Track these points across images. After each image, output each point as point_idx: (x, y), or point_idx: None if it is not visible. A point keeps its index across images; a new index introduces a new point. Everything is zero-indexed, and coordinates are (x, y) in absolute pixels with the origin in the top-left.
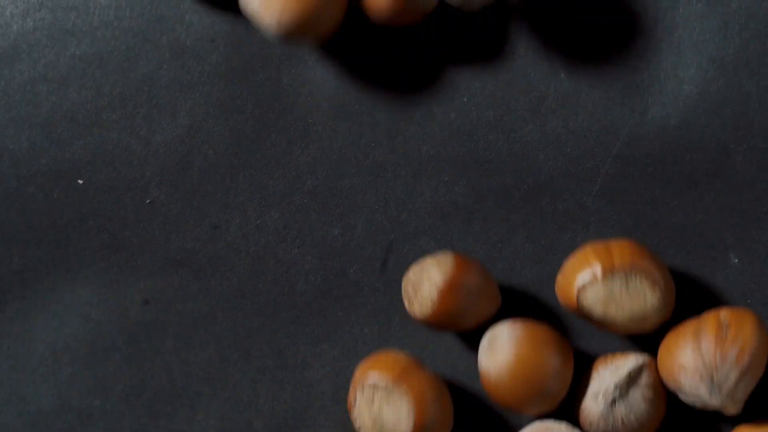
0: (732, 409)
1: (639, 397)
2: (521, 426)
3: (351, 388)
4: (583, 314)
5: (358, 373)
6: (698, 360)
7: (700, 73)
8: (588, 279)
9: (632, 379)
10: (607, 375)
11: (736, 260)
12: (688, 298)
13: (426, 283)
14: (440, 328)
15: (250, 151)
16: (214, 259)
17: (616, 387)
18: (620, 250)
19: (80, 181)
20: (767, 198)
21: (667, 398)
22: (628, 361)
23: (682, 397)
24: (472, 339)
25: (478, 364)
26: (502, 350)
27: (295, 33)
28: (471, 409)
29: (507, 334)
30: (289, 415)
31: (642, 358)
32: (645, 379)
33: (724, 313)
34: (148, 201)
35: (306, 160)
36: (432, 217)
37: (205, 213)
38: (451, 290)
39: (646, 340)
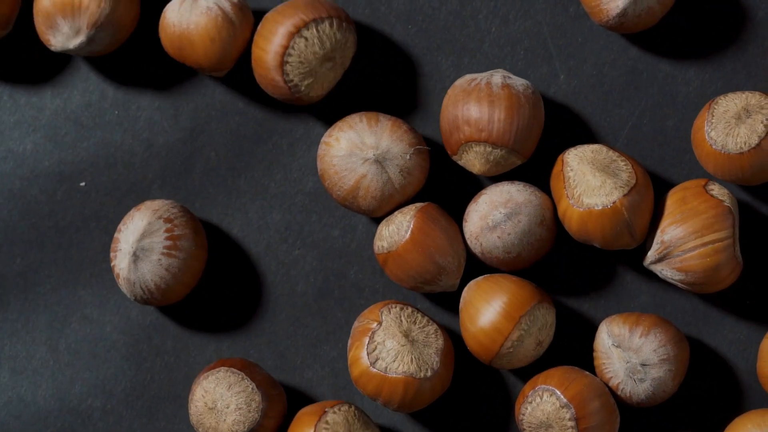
0: None
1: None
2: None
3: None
4: None
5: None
6: None
7: (699, 74)
8: None
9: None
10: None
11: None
12: None
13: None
14: None
15: (252, 153)
16: (215, 260)
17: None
18: None
19: (82, 183)
20: (767, 193)
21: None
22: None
23: None
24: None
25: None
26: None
27: None
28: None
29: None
30: (290, 415)
31: None
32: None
33: None
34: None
35: (307, 162)
36: None
37: (207, 215)
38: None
39: None
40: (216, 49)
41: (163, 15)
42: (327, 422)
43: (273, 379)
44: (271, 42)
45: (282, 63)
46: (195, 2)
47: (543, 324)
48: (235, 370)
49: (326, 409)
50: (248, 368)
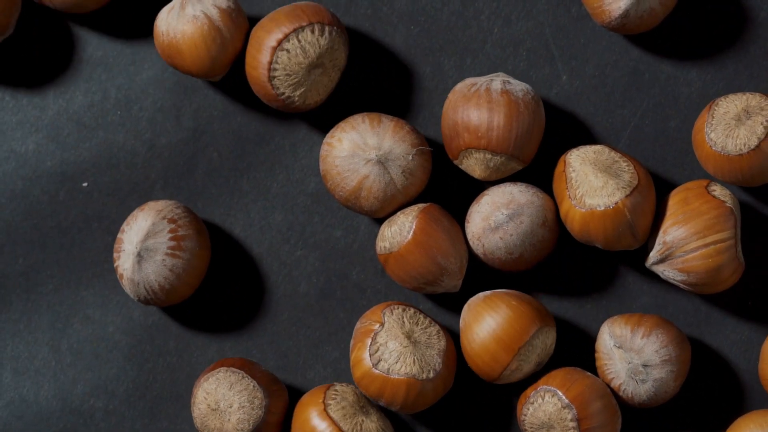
0: None
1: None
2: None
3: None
4: None
5: None
6: None
7: (700, 75)
8: None
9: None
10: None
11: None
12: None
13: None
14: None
15: (254, 154)
16: (217, 260)
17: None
18: None
19: (85, 184)
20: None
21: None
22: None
23: None
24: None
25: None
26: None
27: None
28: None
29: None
30: (291, 416)
31: None
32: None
33: None
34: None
35: (309, 162)
36: None
37: (210, 215)
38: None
39: None
40: (204, 57)
41: (155, 23)
42: (336, 390)
43: (273, 376)
44: (258, 59)
45: (270, 78)
46: (182, 10)
47: (543, 347)
48: (234, 370)
49: (334, 383)
50: (247, 366)
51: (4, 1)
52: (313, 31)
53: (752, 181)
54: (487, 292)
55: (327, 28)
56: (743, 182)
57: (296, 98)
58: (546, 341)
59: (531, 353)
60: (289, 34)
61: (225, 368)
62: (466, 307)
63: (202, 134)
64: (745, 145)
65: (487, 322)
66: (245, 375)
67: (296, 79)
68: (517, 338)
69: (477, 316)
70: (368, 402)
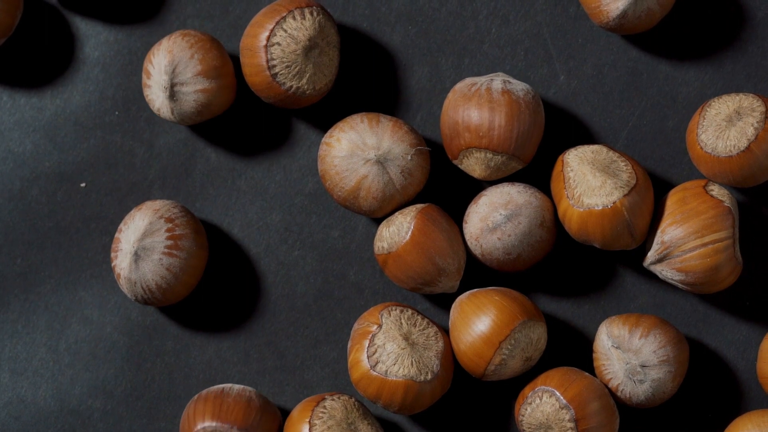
0: None
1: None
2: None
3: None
4: None
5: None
6: None
7: (698, 75)
8: None
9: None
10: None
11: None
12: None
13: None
14: None
15: (252, 154)
16: (215, 261)
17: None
18: None
19: (83, 184)
20: (765, 194)
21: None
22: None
23: None
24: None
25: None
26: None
27: None
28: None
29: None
30: (286, 416)
31: None
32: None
33: None
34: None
35: (307, 162)
36: None
37: (207, 215)
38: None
39: None
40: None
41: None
42: (324, 407)
43: (255, 401)
44: (255, 63)
45: (273, 76)
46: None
47: (528, 342)
48: (210, 425)
49: (325, 396)
50: (220, 410)
51: (8, 2)
52: (294, 18)
53: (744, 183)
54: (474, 290)
55: (307, 11)
56: (735, 183)
57: (305, 86)
58: (531, 336)
59: (515, 348)
60: (273, 28)
61: (202, 425)
62: (453, 306)
63: (199, 134)
64: (735, 147)
65: (471, 318)
66: (222, 425)
67: (297, 67)
68: (498, 332)
69: (462, 313)
70: (359, 416)
